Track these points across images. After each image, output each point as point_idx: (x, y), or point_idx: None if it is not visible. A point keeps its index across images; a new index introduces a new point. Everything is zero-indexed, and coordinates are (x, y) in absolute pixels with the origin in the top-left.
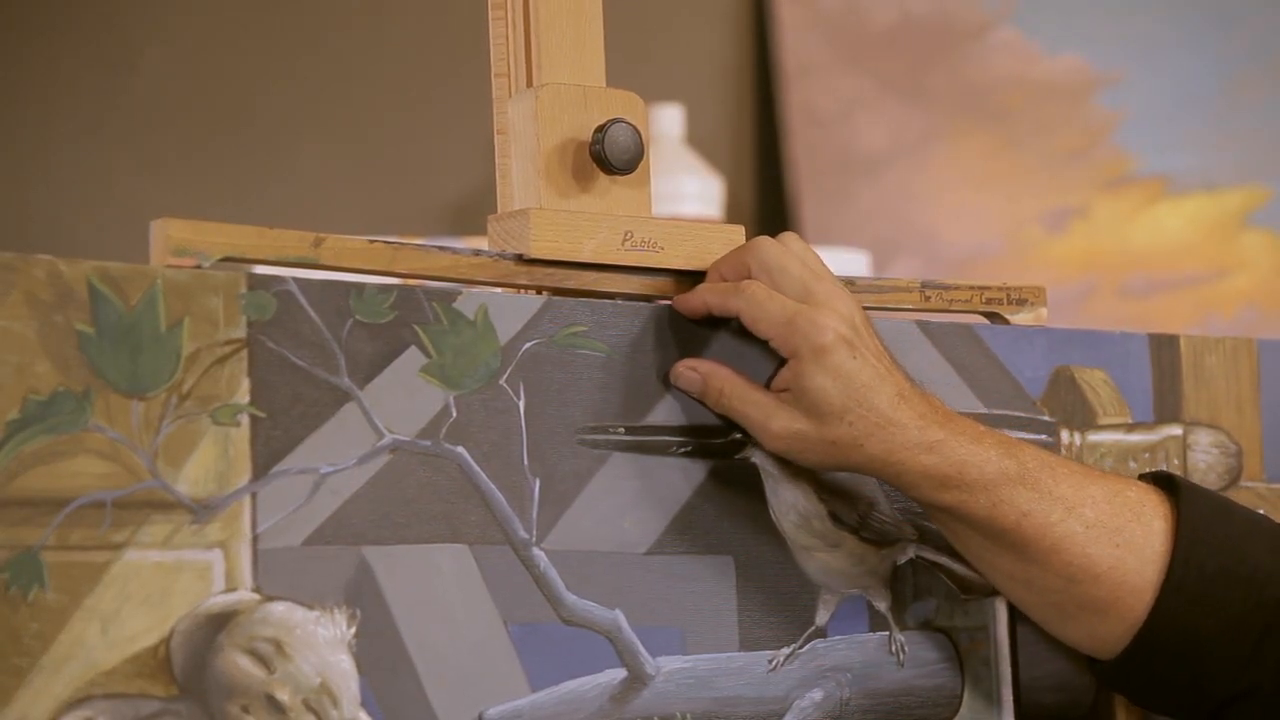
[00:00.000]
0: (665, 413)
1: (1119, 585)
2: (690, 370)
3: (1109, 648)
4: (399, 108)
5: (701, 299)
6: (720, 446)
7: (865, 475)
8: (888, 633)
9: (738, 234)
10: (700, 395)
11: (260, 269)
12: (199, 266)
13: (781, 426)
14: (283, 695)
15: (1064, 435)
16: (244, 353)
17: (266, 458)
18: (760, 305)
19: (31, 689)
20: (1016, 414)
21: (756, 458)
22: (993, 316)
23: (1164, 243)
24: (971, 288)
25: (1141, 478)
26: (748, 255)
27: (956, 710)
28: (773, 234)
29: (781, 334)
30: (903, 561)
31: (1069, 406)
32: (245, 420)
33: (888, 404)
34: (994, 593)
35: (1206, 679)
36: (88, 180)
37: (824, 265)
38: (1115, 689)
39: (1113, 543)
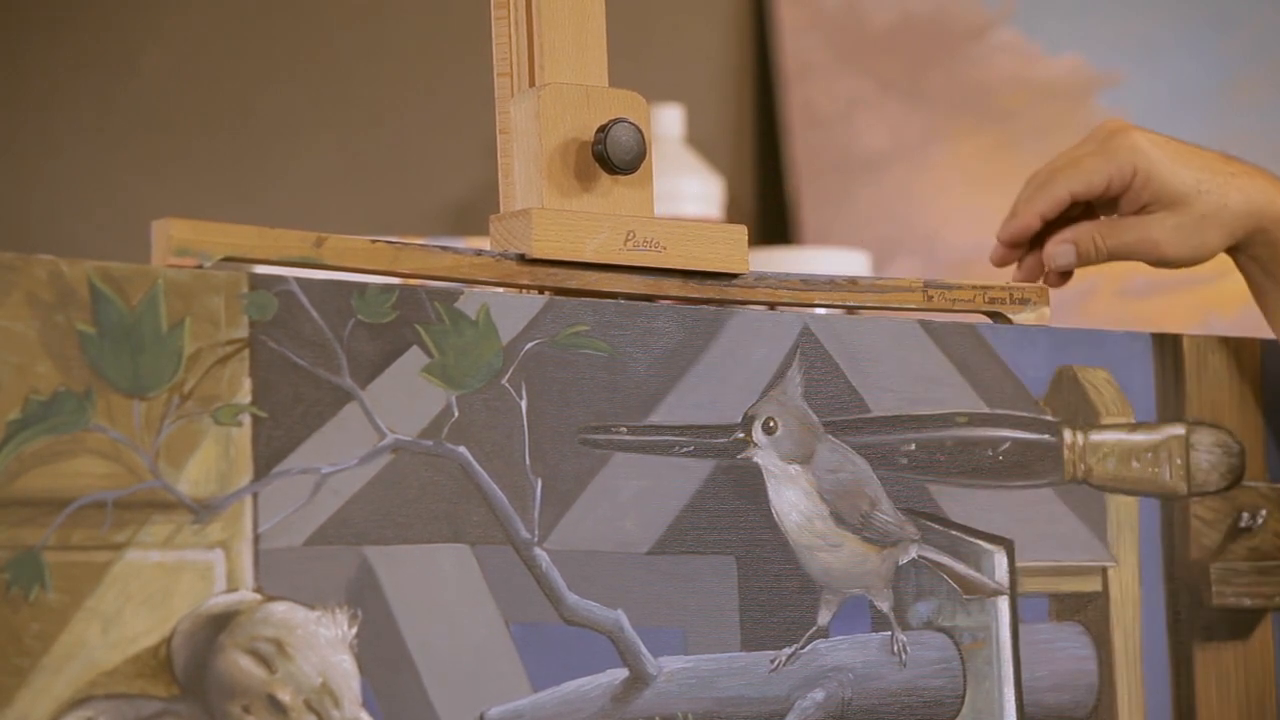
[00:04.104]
0: (667, 413)
1: None
2: (1064, 243)
3: None
4: (400, 107)
5: (1032, 211)
6: (723, 447)
7: (1233, 230)
8: (890, 633)
9: (740, 234)
10: (1082, 260)
11: (262, 269)
12: (200, 266)
13: (1162, 230)
14: (284, 695)
15: (1066, 435)
16: (245, 353)
17: (268, 458)
18: (1074, 162)
19: (32, 689)
20: (1019, 414)
21: (759, 457)
22: (995, 316)
23: None
24: (974, 287)
25: None
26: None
27: (959, 711)
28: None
29: (1107, 165)
30: (905, 561)
31: (1072, 406)
32: (247, 420)
33: (1216, 158)
34: (997, 592)
35: None
36: (88, 180)
37: None
38: None
39: None
